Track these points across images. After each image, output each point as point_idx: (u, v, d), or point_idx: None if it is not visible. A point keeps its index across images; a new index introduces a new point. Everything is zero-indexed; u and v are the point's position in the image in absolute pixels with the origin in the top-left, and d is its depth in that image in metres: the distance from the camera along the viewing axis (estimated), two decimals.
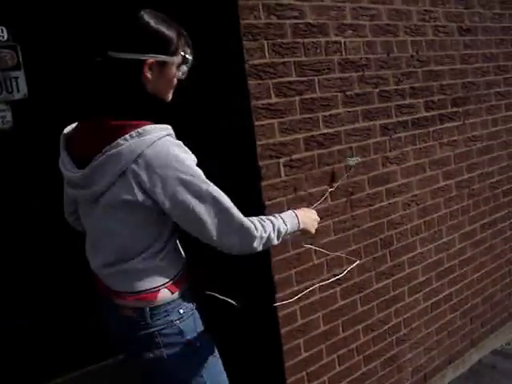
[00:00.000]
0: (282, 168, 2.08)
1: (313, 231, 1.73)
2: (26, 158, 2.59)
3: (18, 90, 2.61)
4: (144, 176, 1.32)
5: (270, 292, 2.13)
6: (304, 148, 2.15)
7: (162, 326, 1.46)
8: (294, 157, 2.11)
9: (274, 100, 2.05)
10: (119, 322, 1.50)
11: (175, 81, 1.47)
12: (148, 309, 1.44)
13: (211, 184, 1.39)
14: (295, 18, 2.11)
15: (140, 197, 1.34)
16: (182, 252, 1.60)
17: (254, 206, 2.01)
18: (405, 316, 2.70)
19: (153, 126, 1.36)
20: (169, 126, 1.40)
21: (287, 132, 2.09)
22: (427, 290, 2.80)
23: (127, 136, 1.32)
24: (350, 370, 2.47)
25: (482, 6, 2.97)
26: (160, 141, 1.34)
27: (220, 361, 1.63)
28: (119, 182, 1.34)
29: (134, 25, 1.40)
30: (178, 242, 1.56)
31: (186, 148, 1.39)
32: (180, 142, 1.39)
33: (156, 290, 1.44)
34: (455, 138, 2.86)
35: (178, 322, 1.49)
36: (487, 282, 3.23)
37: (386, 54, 2.46)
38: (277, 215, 1.58)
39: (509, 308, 3.44)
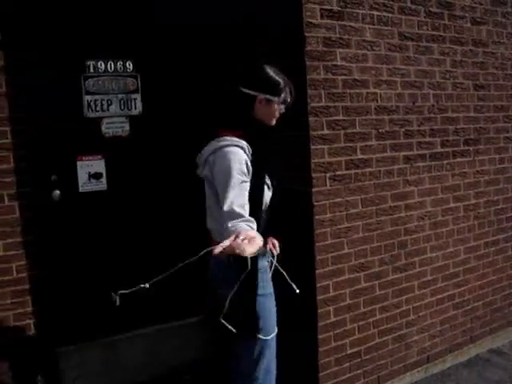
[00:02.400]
0: (327, 180, 2.92)
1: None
2: (138, 158, 3.49)
3: (136, 108, 3.52)
4: (212, 165, 2.17)
5: (312, 269, 2.95)
6: (344, 167, 2.98)
7: (240, 269, 2.24)
8: (337, 173, 2.95)
9: (325, 132, 2.90)
10: (214, 266, 2.31)
11: (277, 113, 2.28)
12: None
13: (237, 185, 2.06)
14: (345, 75, 2.96)
15: (210, 177, 2.19)
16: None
17: (306, 204, 2.86)
18: (414, 305, 3.45)
19: (230, 138, 2.18)
20: (242, 141, 2.17)
21: (333, 155, 2.94)
22: (434, 287, 3.54)
23: (215, 140, 2.21)
24: (367, 338, 3.24)
25: (496, 67, 3.74)
26: (227, 147, 2.15)
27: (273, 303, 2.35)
28: (205, 166, 2.23)
29: (256, 72, 2.28)
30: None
31: (241, 160, 2.11)
32: (240, 154, 2.12)
33: None
34: (465, 170, 3.62)
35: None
36: (488, 290, 3.92)
37: (411, 103, 3.27)
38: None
39: (507, 316, 4.10)
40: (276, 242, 2.52)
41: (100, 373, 3.34)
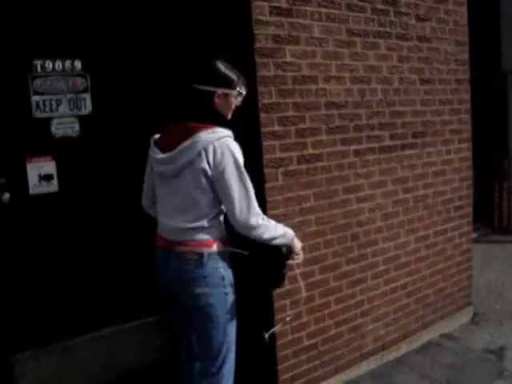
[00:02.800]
0: (279, 176, 2.96)
1: (296, 248, 2.46)
2: (89, 158, 3.45)
3: (85, 108, 3.48)
4: (211, 157, 2.19)
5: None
6: (296, 162, 3.03)
7: (211, 270, 2.27)
8: (288, 168, 3.00)
9: (276, 128, 2.94)
10: (179, 265, 2.29)
11: (233, 106, 2.39)
12: (206, 253, 2.25)
13: (248, 178, 2.24)
14: (294, 71, 3.01)
15: (208, 168, 2.19)
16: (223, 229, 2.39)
17: (259, 200, 2.88)
18: (368, 295, 3.54)
19: (221, 128, 2.25)
20: (230, 131, 2.28)
21: (285, 151, 2.98)
22: (386, 277, 3.64)
23: (204, 132, 2.21)
24: (323, 330, 3.30)
25: (440, 62, 3.87)
26: (224, 138, 2.22)
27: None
28: (197, 158, 2.20)
29: (211, 69, 2.33)
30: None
31: (238, 148, 2.26)
32: (235, 143, 2.26)
33: (213, 240, 2.27)
34: (414, 162, 3.73)
35: (221, 269, 2.30)
36: (438, 277, 4.06)
37: (360, 98, 3.35)
38: (284, 228, 2.38)
39: (457, 301, 4.25)
40: None
41: (57, 378, 3.30)
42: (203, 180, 2.23)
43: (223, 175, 2.20)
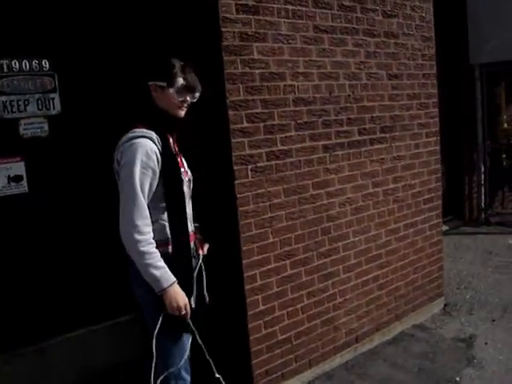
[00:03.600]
0: (249, 172, 2.98)
1: (168, 305, 2.16)
2: (59, 158, 3.42)
3: (54, 108, 3.45)
4: (119, 157, 2.19)
5: (238, 260, 3.00)
6: (265, 159, 3.05)
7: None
8: (258, 165, 3.02)
9: (245, 125, 2.96)
10: (130, 266, 2.26)
11: (175, 101, 2.23)
12: None
13: (137, 186, 2.10)
14: (262, 68, 3.03)
15: (117, 169, 2.21)
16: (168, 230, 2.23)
17: (229, 197, 2.91)
18: (340, 288, 3.58)
19: (139, 129, 2.20)
20: (151, 132, 2.18)
21: (254, 147, 3.00)
22: (358, 270, 3.69)
23: (127, 133, 2.21)
24: (296, 324, 3.34)
25: (407, 58, 3.93)
26: (134, 139, 2.16)
27: None
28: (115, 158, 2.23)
29: (152, 62, 2.31)
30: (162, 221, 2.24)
31: (149, 152, 2.13)
32: (148, 146, 2.14)
33: None
34: (383, 156, 3.79)
35: None
36: (410, 269, 4.13)
37: (328, 94, 3.38)
38: (164, 268, 2.13)
39: (428, 292, 4.34)
40: (206, 245, 2.59)
41: (31, 381, 3.27)
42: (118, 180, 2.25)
43: (121, 176, 2.18)
